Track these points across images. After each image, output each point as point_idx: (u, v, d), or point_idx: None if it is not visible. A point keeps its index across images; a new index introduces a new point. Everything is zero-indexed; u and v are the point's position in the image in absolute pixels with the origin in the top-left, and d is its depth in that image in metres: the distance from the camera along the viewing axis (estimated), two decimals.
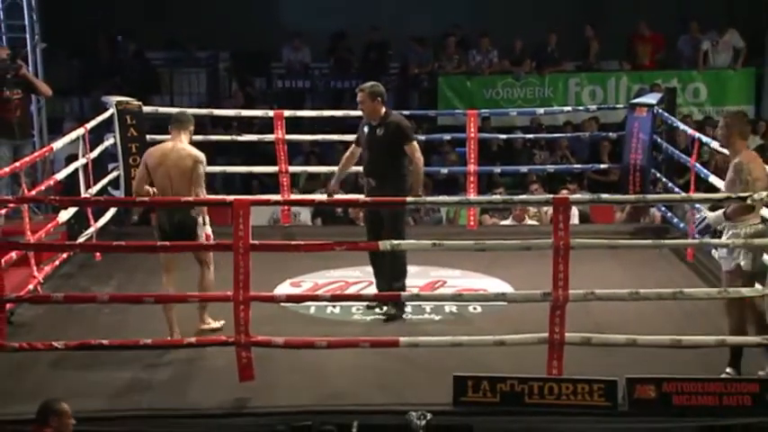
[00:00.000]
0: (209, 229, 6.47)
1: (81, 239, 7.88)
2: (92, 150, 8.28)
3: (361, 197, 7.40)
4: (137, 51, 14.11)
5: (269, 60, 14.82)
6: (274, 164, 9.22)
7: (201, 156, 6.48)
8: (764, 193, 5.64)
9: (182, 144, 6.53)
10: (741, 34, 13.70)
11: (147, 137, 8.94)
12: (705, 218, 5.95)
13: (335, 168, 10.29)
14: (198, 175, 6.42)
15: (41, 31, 10.13)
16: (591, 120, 12.39)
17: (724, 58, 13.78)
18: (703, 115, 13.24)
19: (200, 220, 6.42)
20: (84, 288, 7.39)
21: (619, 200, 8.83)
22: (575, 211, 9.91)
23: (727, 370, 5.78)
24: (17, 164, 7.31)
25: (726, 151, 8.02)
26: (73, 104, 13.57)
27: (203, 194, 6.47)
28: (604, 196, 7.74)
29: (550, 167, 10.90)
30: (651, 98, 9.36)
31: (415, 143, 7.00)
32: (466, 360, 5.81)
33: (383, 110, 6.98)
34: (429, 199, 7.33)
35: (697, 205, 7.60)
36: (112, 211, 8.76)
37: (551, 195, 7.18)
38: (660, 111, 9.04)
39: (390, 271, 6.93)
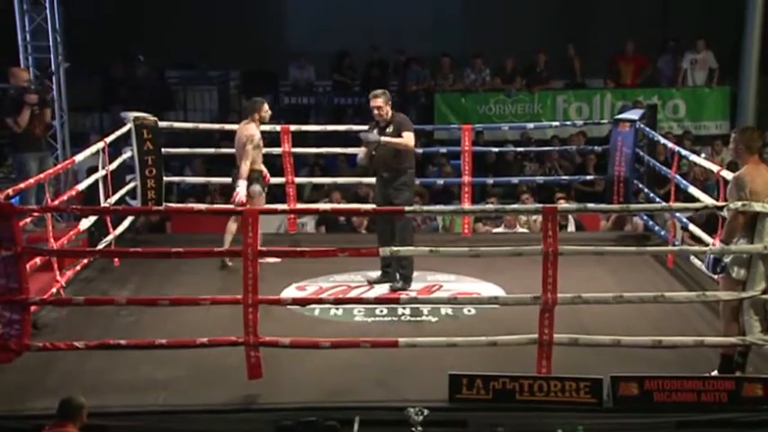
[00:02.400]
0: (254, 189, 7.80)
1: (100, 246, 7.88)
2: (111, 163, 8.28)
3: (363, 206, 7.40)
4: (153, 70, 14.12)
5: (276, 79, 14.83)
6: (281, 175, 9.21)
7: (251, 136, 7.80)
8: (739, 203, 5.63)
9: (245, 125, 7.94)
10: (717, 56, 13.73)
11: (163, 150, 8.96)
12: (711, 257, 5.78)
13: (339, 179, 10.36)
14: (245, 151, 7.77)
15: (65, 52, 10.14)
16: (578, 134, 12.40)
17: (701, 76, 13.80)
18: (682, 130, 13.23)
19: (241, 188, 7.74)
20: (103, 291, 7.38)
21: (604, 209, 8.82)
22: (571, 219, 9.92)
23: (713, 373, 5.74)
24: (41, 175, 7.32)
25: (706, 163, 8.07)
26: (94, 120, 13.57)
27: (245, 166, 7.78)
28: (590, 206, 7.75)
29: (540, 178, 10.89)
30: (633, 114, 9.35)
31: (411, 134, 7.42)
32: (461, 359, 5.79)
33: (390, 112, 7.47)
34: (426, 208, 7.35)
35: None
36: (130, 219, 8.75)
37: (541, 205, 7.16)
38: (642, 126, 9.04)
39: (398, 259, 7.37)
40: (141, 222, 9.93)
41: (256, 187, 7.82)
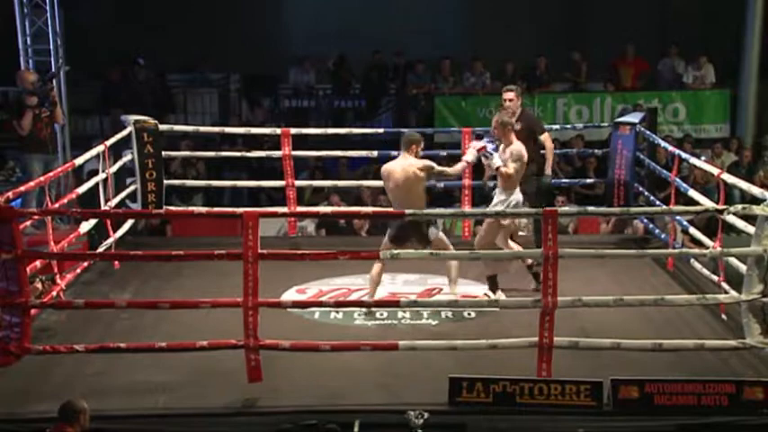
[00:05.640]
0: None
1: (101, 249, 7.87)
2: (111, 166, 8.27)
3: (363, 209, 7.39)
4: (154, 73, 14.13)
5: (276, 82, 14.83)
6: (281, 178, 9.21)
7: (424, 165, 6.92)
8: (740, 206, 5.64)
9: (407, 160, 6.93)
10: (717, 59, 13.74)
11: (163, 153, 8.95)
12: (493, 155, 7.09)
13: (339, 182, 10.34)
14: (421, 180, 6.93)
15: (65, 55, 10.14)
16: (576, 137, 12.41)
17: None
18: (682, 133, 13.24)
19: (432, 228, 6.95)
20: (103, 294, 7.37)
21: (604, 212, 8.83)
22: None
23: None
24: (41, 178, 7.32)
25: (706, 167, 8.08)
26: (94, 123, 13.58)
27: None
28: (591, 209, 7.73)
29: None
30: (634, 117, 9.35)
31: (548, 133, 8.13)
32: (461, 362, 5.79)
33: (520, 107, 8.04)
34: (426, 211, 7.30)
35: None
36: (130, 222, 8.74)
37: (541, 208, 7.16)
38: (642, 129, 9.04)
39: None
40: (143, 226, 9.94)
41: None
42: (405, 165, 6.89)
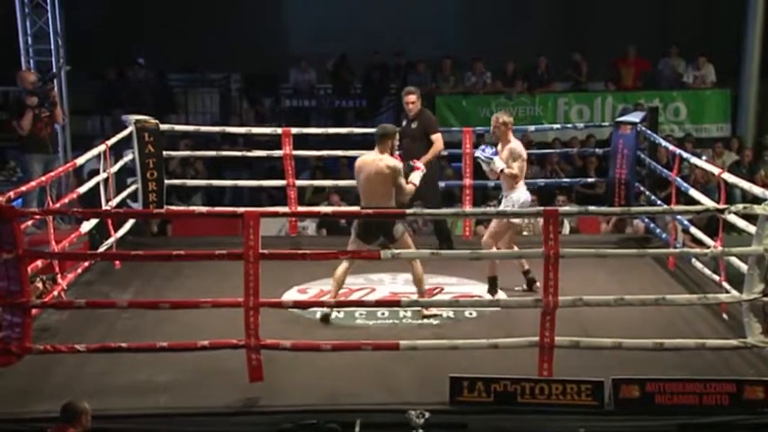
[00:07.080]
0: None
1: (102, 249, 7.87)
2: (112, 166, 8.27)
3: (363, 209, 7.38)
4: (155, 73, 14.14)
5: (277, 81, 14.85)
6: (282, 178, 9.21)
7: (393, 168, 6.66)
8: (741, 206, 5.64)
9: (379, 155, 6.72)
10: (718, 58, 13.74)
11: (164, 153, 8.95)
12: (492, 160, 7.22)
13: (339, 182, 10.33)
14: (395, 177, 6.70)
15: (66, 55, 10.15)
16: (589, 137, 12.44)
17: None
18: (683, 133, 13.25)
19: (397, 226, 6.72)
20: (104, 294, 7.36)
21: (605, 212, 8.82)
22: (566, 221, 9.91)
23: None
24: (43, 178, 7.32)
25: (707, 166, 8.07)
26: (95, 123, 13.58)
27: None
28: (592, 208, 7.72)
29: (541, 181, 10.87)
30: (634, 116, 9.35)
31: (439, 135, 8.35)
32: (462, 362, 5.79)
33: (418, 108, 8.37)
34: (427, 211, 7.32)
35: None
36: (131, 222, 8.75)
37: (542, 207, 7.16)
38: (643, 128, 9.04)
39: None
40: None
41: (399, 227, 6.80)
42: (376, 159, 6.71)
